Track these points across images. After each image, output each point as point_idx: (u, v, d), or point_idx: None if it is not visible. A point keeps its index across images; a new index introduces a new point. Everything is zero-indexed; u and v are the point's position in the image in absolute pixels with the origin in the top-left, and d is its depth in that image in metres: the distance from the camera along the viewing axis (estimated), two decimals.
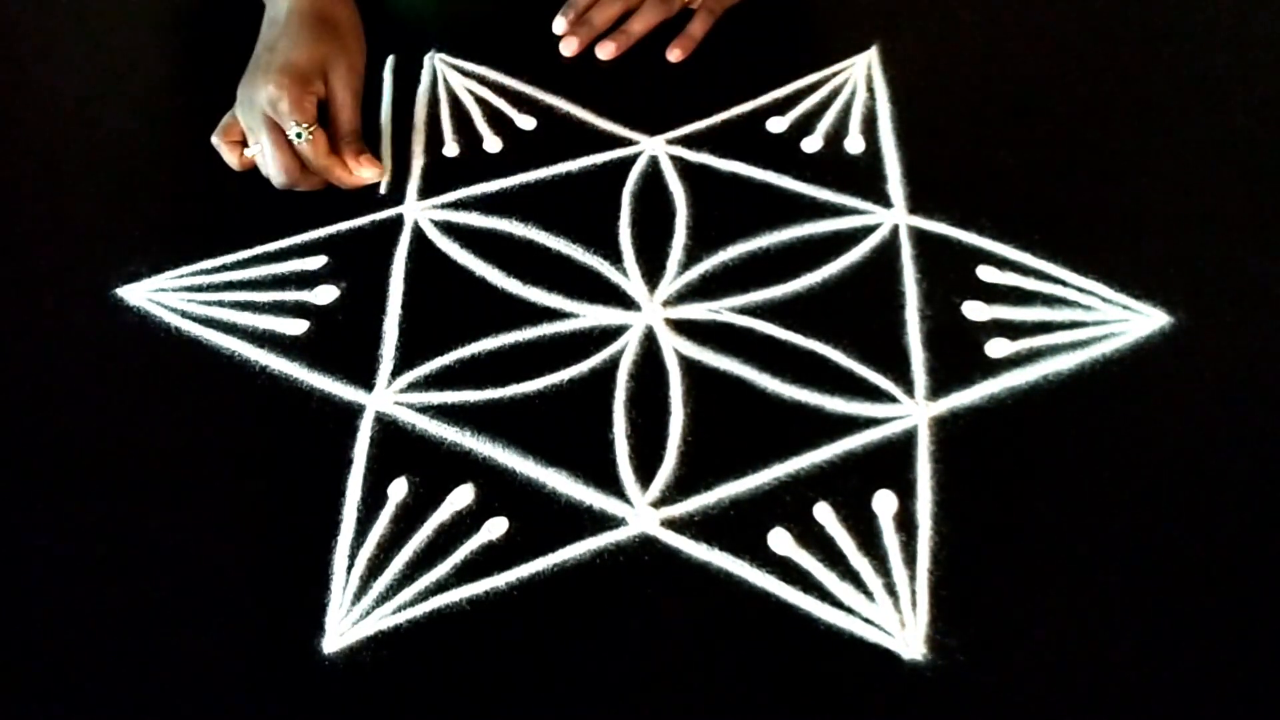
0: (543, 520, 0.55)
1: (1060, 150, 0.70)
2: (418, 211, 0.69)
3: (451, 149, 0.72)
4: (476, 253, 0.66)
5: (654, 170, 0.70)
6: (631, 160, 0.70)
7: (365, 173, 0.68)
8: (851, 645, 0.51)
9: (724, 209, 0.67)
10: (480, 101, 0.74)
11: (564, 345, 0.62)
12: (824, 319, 0.62)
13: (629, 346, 0.61)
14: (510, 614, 0.52)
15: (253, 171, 0.69)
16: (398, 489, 0.56)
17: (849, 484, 0.56)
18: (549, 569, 0.53)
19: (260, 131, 0.66)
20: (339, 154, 0.67)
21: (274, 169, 0.66)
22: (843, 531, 0.54)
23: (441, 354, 0.62)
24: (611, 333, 0.62)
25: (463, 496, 0.56)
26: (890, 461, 0.56)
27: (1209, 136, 0.70)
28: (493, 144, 0.72)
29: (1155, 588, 0.52)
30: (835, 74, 0.75)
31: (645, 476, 0.56)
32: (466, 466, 0.57)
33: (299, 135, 0.65)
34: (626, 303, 0.64)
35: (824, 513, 0.55)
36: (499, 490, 0.56)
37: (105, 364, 0.63)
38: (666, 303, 0.63)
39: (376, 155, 0.70)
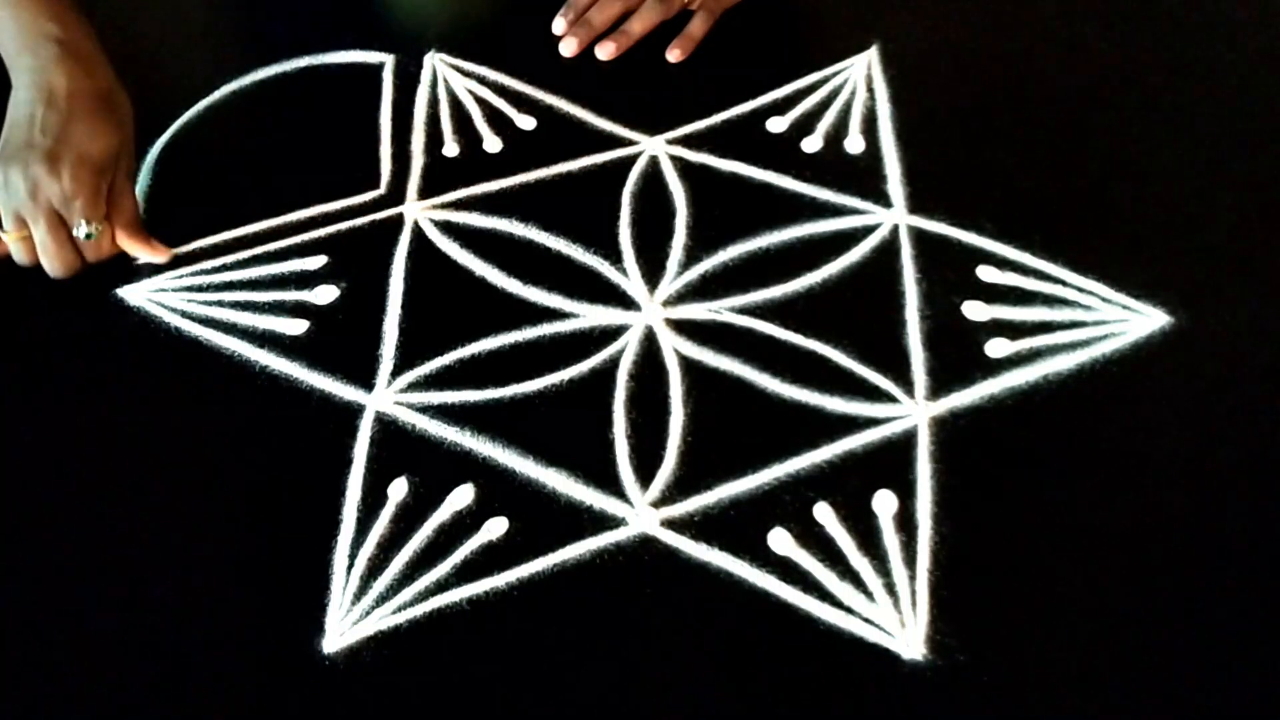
0: (543, 520, 0.55)
1: (1060, 150, 0.70)
2: (418, 211, 0.69)
3: (451, 149, 0.72)
4: (476, 253, 0.66)
5: (654, 170, 0.70)
6: (631, 160, 0.70)
7: (151, 258, 0.65)
8: (851, 645, 0.51)
9: (724, 209, 0.67)
10: (480, 101, 0.74)
11: (564, 345, 0.62)
12: (824, 319, 0.62)
13: (629, 346, 0.61)
14: (510, 614, 0.52)
15: (253, 173, 0.69)
16: (398, 489, 0.56)
17: (849, 484, 0.56)
18: (549, 569, 0.53)
19: (37, 223, 0.61)
20: (124, 244, 0.64)
21: (54, 264, 0.62)
22: (843, 531, 0.54)
23: (441, 354, 0.62)
24: (611, 333, 0.62)
25: (463, 496, 0.56)
26: (890, 461, 0.56)
27: (1209, 136, 0.70)
28: (493, 144, 0.72)
29: (1155, 587, 0.52)
30: (835, 74, 0.75)
31: (645, 476, 0.56)
32: (466, 466, 0.57)
33: (88, 236, 0.62)
34: (626, 303, 0.64)
35: (824, 513, 0.55)
36: (499, 490, 0.56)
37: (106, 364, 0.63)
38: (666, 303, 0.63)
39: (375, 157, 0.71)
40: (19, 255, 0.62)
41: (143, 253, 0.64)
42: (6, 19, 0.64)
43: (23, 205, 0.60)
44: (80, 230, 0.61)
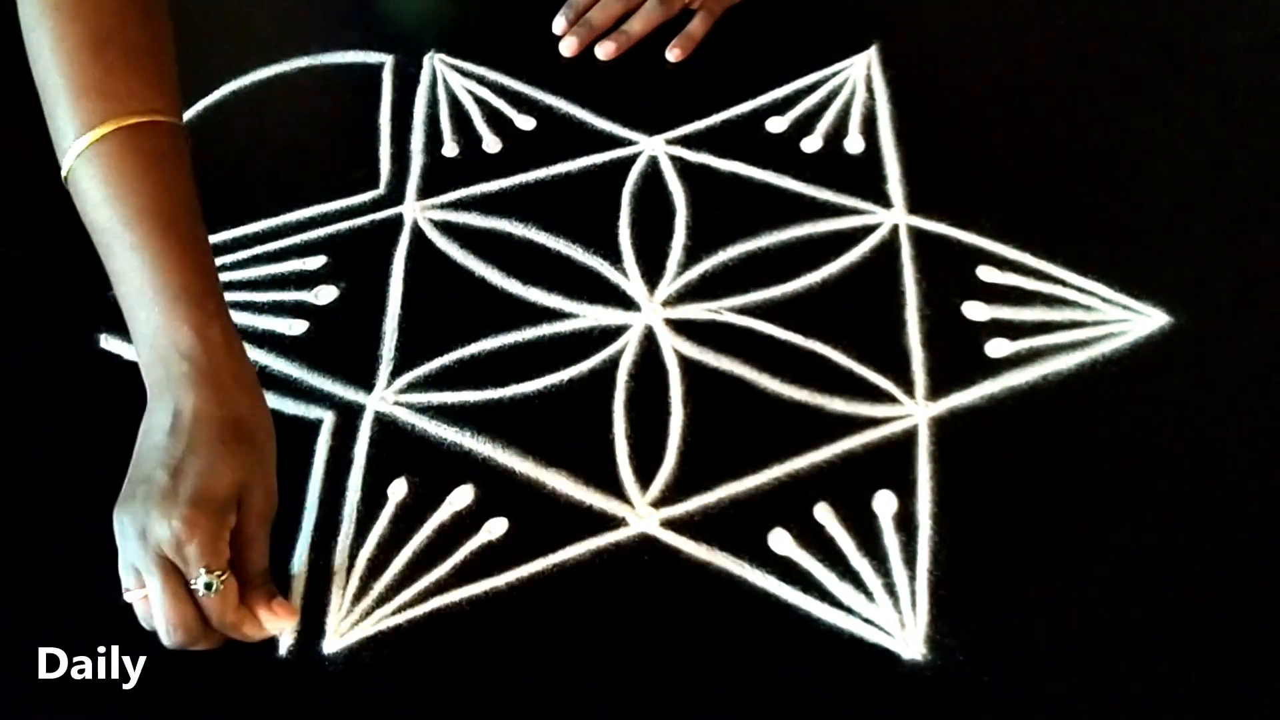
0: (543, 520, 0.55)
1: (1060, 150, 0.70)
2: (417, 211, 0.69)
3: (451, 149, 0.72)
4: (476, 253, 0.66)
5: (653, 170, 0.70)
6: (631, 160, 0.70)
7: (279, 624, 0.52)
8: (851, 645, 0.51)
9: (724, 209, 0.67)
10: (480, 101, 0.74)
11: (564, 345, 0.62)
12: (824, 319, 0.62)
13: (629, 347, 0.61)
14: (510, 614, 0.52)
15: (253, 173, 0.69)
16: (398, 489, 0.56)
17: (849, 484, 0.56)
18: (549, 569, 0.53)
19: (150, 575, 0.49)
20: (247, 603, 0.51)
21: (168, 625, 0.49)
22: (843, 531, 0.54)
23: (441, 354, 0.62)
24: (611, 333, 0.62)
25: (463, 496, 0.56)
26: (890, 461, 0.56)
27: (1209, 136, 0.70)
28: (492, 144, 0.72)
29: (1155, 587, 0.52)
30: (835, 74, 0.75)
31: (645, 476, 0.56)
32: (466, 466, 0.57)
33: (208, 586, 0.49)
34: (626, 303, 0.64)
35: (824, 513, 0.55)
36: (499, 490, 0.56)
37: (105, 364, 0.63)
38: (666, 303, 0.63)
39: (374, 157, 0.71)
40: (141, 616, 0.51)
41: (268, 618, 0.51)
42: (144, 321, 0.53)
43: (137, 555, 0.50)
44: (197, 582, 0.49)
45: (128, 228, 0.52)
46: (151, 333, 0.52)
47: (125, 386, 0.61)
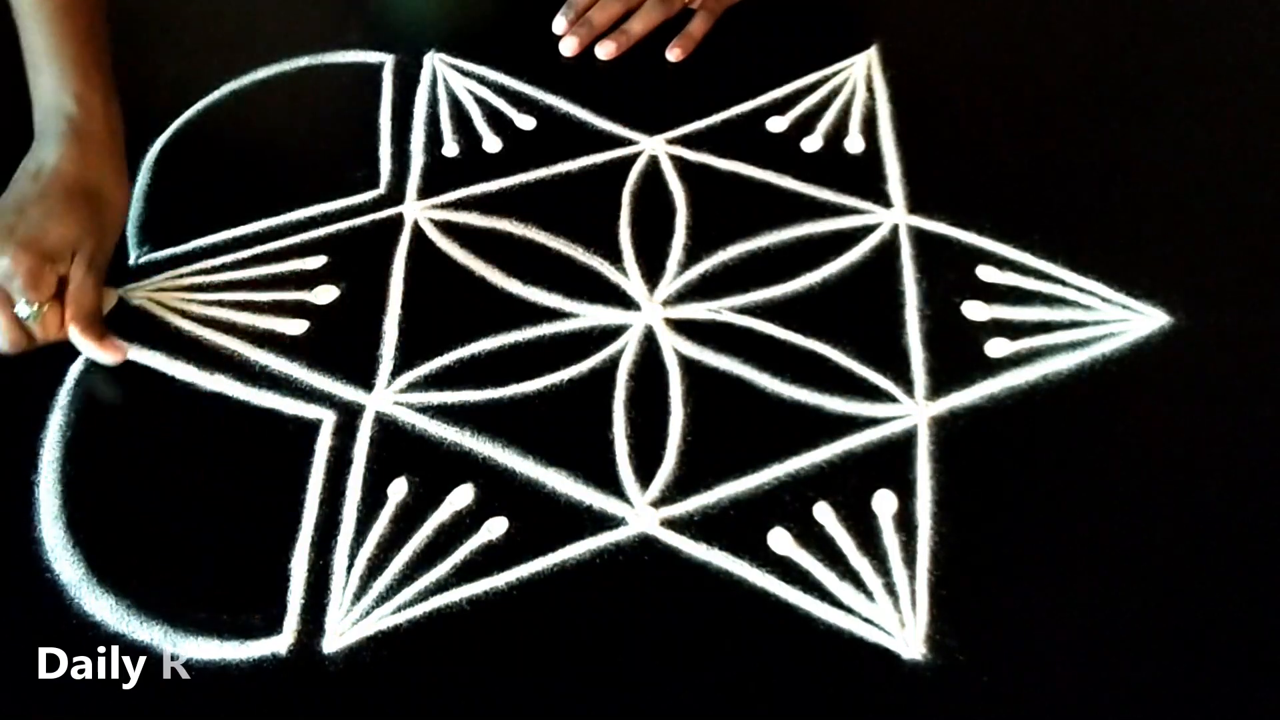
0: (543, 520, 0.55)
1: (1060, 150, 0.70)
2: (418, 211, 0.69)
3: (451, 149, 0.72)
4: (476, 253, 0.66)
5: (654, 170, 0.70)
6: (631, 160, 0.70)
7: (101, 356, 0.61)
8: (851, 645, 0.51)
9: (724, 209, 0.67)
10: (480, 101, 0.74)
11: (564, 345, 0.62)
12: (824, 319, 0.62)
13: (629, 346, 0.62)
14: (510, 614, 0.52)
15: (253, 173, 0.69)
16: (398, 489, 0.56)
17: (849, 484, 0.56)
18: (549, 569, 0.53)
19: None
20: (73, 330, 0.61)
21: (1, 339, 0.60)
22: (843, 531, 0.54)
23: (441, 354, 0.62)
24: (611, 333, 0.62)
25: (463, 496, 0.56)
26: (890, 461, 0.56)
27: (1209, 137, 0.70)
28: (492, 144, 0.72)
29: (1155, 587, 0.52)
30: (835, 74, 0.75)
31: (645, 476, 0.56)
32: (466, 466, 0.57)
33: (30, 315, 0.59)
34: (626, 303, 0.64)
35: (824, 513, 0.55)
36: (499, 490, 0.56)
37: (104, 364, 0.63)
38: (666, 302, 0.63)
39: (375, 157, 0.71)
40: None
41: (92, 348, 0.61)
42: (39, 79, 0.64)
43: None
44: (20, 309, 0.59)
45: (38, 7, 0.64)
46: (44, 94, 0.64)
47: (126, 386, 0.61)
